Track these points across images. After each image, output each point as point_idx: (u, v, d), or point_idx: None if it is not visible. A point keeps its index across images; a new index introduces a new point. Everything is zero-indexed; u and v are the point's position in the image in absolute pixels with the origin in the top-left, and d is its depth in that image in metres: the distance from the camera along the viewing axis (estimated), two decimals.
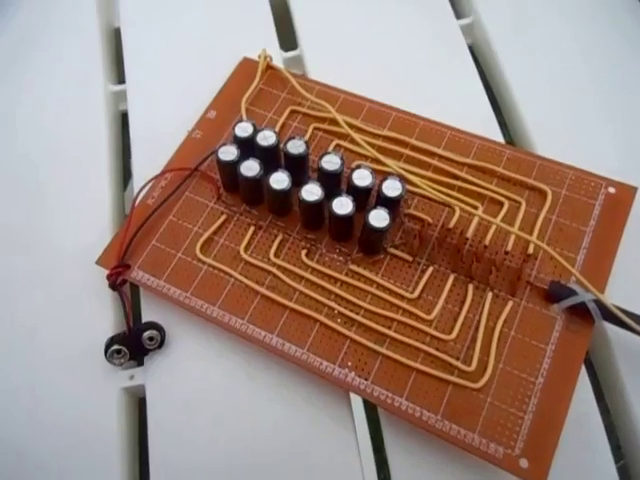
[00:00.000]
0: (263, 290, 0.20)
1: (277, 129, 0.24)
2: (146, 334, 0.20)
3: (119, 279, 0.21)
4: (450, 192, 0.22)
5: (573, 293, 0.19)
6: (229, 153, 0.21)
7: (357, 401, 0.20)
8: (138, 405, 0.22)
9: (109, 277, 0.21)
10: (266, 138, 0.21)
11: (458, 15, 0.28)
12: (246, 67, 0.26)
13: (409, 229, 0.21)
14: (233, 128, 0.22)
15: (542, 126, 0.24)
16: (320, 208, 0.20)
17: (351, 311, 0.20)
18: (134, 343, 0.20)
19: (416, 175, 0.22)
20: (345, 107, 0.24)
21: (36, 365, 0.21)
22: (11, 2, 0.31)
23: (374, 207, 0.20)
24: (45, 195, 0.25)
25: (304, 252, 0.21)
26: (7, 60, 0.29)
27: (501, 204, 0.21)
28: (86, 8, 0.30)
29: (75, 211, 0.24)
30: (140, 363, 0.21)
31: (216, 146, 0.22)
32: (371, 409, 0.20)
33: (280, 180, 0.20)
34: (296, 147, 0.21)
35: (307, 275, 0.20)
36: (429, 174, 0.22)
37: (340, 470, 0.19)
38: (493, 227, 0.21)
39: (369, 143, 0.22)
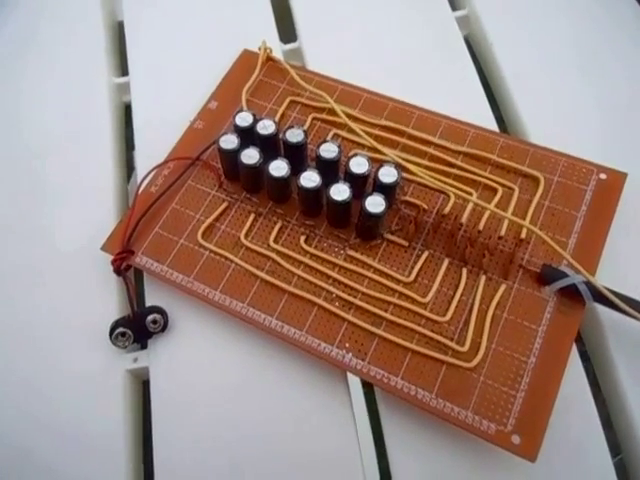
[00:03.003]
0: (263, 275, 0.21)
1: (277, 119, 0.24)
2: (150, 318, 0.21)
3: (123, 264, 0.21)
4: (445, 179, 0.22)
5: (564, 275, 0.19)
6: (230, 142, 0.22)
7: (354, 382, 0.20)
8: (142, 388, 0.22)
9: (114, 262, 0.21)
10: (266, 127, 0.22)
11: (454, 7, 0.29)
12: (246, 59, 0.26)
13: (405, 215, 0.22)
14: (234, 118, 0.22)
15: (536, 115, 0.25)
16: (318, 195, 0.21)
17: (349, 294, 0.20)
18: (138, 326, 0.21)
19: (412, 163, 0.22)
20: (343, 97, 0.25)
21: (43, 346, 0.22)
22: None
23: (370, 193, 0.20)
24: (51, 185, 0.25)
25: (303, 238, 0.21)
26: (12, 52, 0.30)
27: (495, 191, 0.22)
28: (90, 1, 0.31)
29: (81, 200, 0.25)
30: (144, 346, 0.22)
31: (217, 136, 0.22)
32: (368, 391, 0.20)
33: (279, 168, 0.21)
34: (295, 136, 0.21)
35: (306, 260, 0.21)
36: (425, 162, 0.23)
37: (338, 447, 0.19)
38: (487, 213, 0.21)
39: (366, 132, 0.23)
